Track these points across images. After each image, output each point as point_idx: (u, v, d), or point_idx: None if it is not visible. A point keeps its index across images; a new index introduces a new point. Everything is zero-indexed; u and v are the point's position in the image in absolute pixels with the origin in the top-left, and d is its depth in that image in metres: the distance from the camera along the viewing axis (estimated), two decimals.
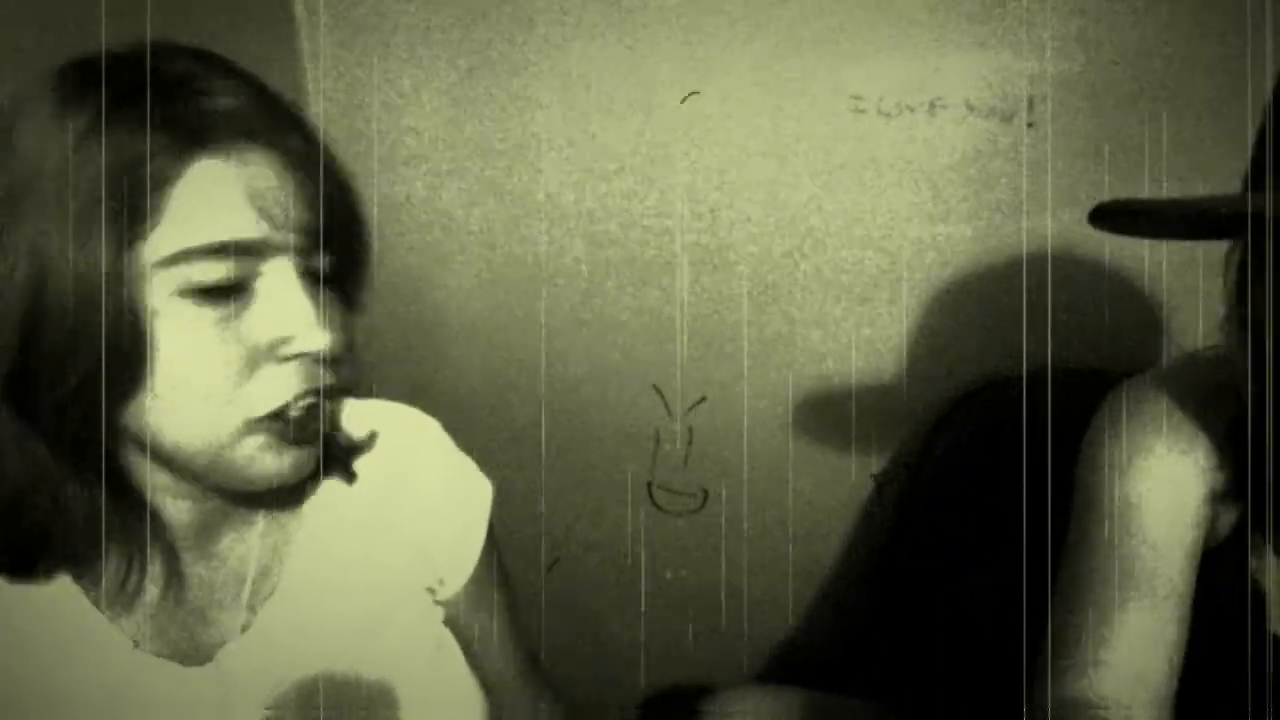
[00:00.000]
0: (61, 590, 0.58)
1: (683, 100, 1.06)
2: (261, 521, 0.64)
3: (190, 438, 0.53)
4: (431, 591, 0.72)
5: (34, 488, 0.54)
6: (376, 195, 1.11)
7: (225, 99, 0.52)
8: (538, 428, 1.19)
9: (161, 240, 0.50)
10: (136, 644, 0.59)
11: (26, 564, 0.56)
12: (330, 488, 0.67)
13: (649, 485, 1.22)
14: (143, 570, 0.59)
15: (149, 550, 0.59)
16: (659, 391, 1.18)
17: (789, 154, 1.10)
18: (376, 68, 1.08)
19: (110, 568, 0.58)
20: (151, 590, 0.60)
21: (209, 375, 0.52)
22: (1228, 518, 0.71)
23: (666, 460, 1.20)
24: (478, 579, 0.74)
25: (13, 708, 0.57)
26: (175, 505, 0.59)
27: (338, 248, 0.57)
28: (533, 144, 1.10)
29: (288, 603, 0.64)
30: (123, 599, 0.59)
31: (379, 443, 0.69)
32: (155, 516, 0.58)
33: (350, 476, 0.66)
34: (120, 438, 0.55)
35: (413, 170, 1.11)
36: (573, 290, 1.15)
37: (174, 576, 0.60)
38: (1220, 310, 0.68)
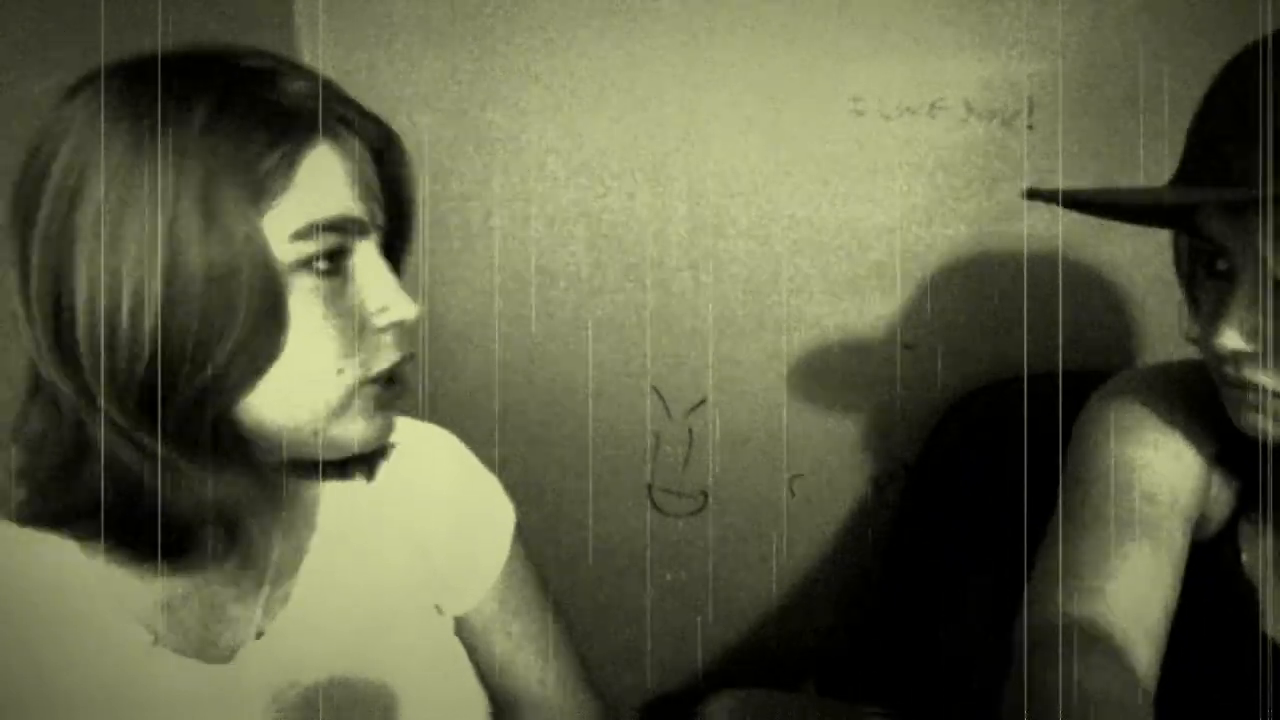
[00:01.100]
0: (76, 583, 0.59)
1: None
2: (284, 518, 0.65)
3: (304, 409, 0.55)
4: (438, 609, 0.72)
5: (146, 479, 0.54)
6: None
7: (311, 89, 0.55)
8: (538, 429, 1.19)
9: (286, 216, 0.53)
10: (156, 639, 0.59)
11: (150, 552, 0.56)
12: (349, 498, 0.68)
13: (649, 487, 1.22)
14: (268, 543, 0.62)
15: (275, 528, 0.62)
16: (659, 393, 1.18)
17: (789, 155, 1.10)
18: (376, 69, 1.09)
19: (238, 553, 0.60)
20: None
21: (326, 344, 0.55)
22: (1222, 512, 0.71)
23: (666, 462, 1.20)
24: (505, 599, 0.74)
25: (25, 701, 0.58)
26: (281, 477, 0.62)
27: (398, 225, 0.62)
28: (533, 144, 1.10)
29: (301, 609, 0.64)
30: (231, 578, 0.61)
31: (400, 456, 0.69)
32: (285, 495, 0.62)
33: (371, 474, 0.67)
34: (244, 423, 0.55)
35: (413, 171, 1.11)
36: (572, 291, 1.15)
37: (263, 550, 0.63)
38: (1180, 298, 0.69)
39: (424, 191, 1.12)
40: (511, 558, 0.75)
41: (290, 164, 0.53)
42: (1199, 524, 0.72)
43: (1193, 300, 0.66)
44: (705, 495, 1.22)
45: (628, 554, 1.24)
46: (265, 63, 0.55)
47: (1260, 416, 0.60)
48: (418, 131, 1.10)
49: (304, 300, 0.54)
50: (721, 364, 1.17)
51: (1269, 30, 0.63)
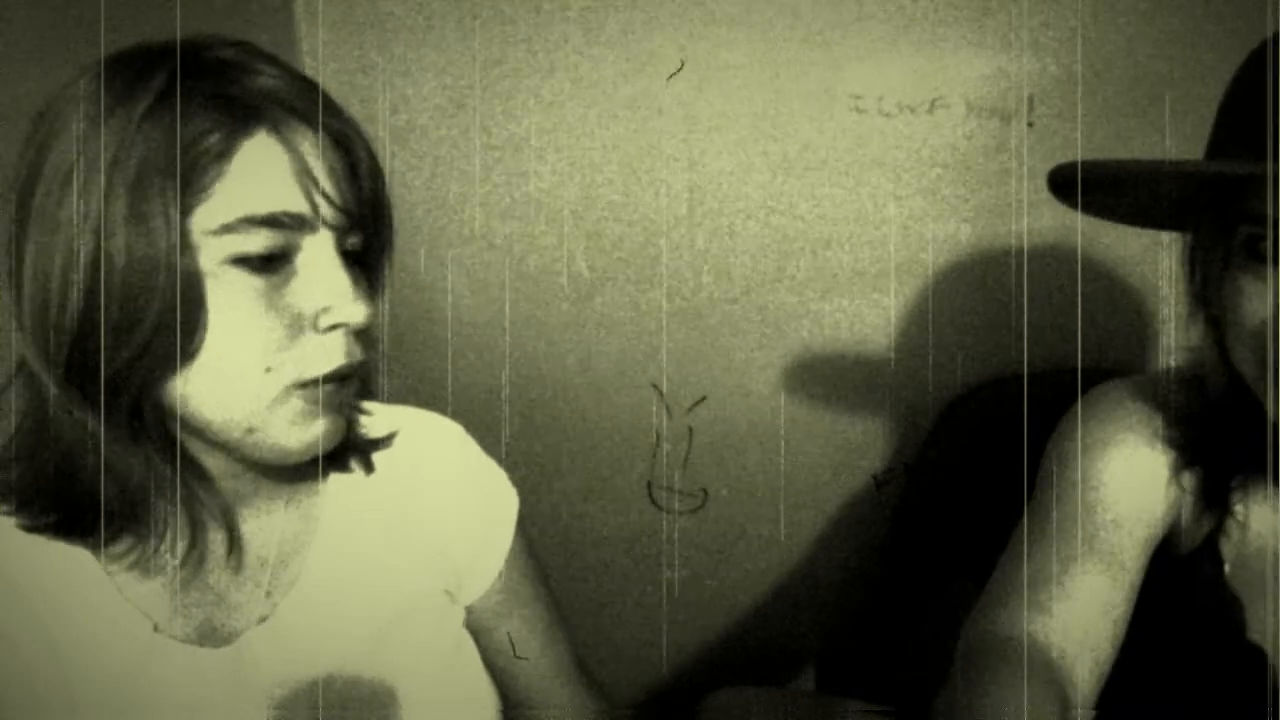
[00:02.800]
0: (79, 569, 0.59)
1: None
2: (284, 506, 0.65)
3: (231, 405, 0.55)
4: (449, 595, 0.72)
5: (84, 455, 0.55)
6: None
7: (271, 80, 0.54)
8: (538, 427, 1.19)
9: (216, 209, 0.52)
10: (157, 627, 0.60)
11: (84, 528, 0.57)
12: (354, 487, 0.68)
13: (649, 485, 1.22)
14: (205, 535, 0.61)
15: (208, 517, 0.61)
16: (659, 391, 1.18)
17: (789, 153, 1.10)
18: (377, 68, 1.08)
19: (169, 535, 0.59)
20: (215, 556, 0.62)
21: (254, 342, 0.54)
22: (1203, 524, 0.71)
23: (666, 460, 1.20)
24: (510, 587, 0.74)
25: (28, 691, 0.58)
26: (217, 484, 0.60)
27: (368, 227, 0.59)
28: (533, 144, 1.10)
29: (306, 598, 0.64)
30: (189, 564, 0.61)
31: (405, 445, 0.70)
32: (214, 485, 0.60)
33: (369, 467, 0.67)
34: (167, 411, 0.56)
35: (413, 171, 1.12)
36: (572, 289, 1.15)
37: (234, 539, 0.62)
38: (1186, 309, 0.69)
39: (424, 191, 1.12)
40: (515, 546, 0.75)
41: (222, 154, 0.52)
42: (1179, 539, 0.71)
43: (1200, 308, 0.66)
44: (705, 493, 1.22)
45: (627, 552, 1.24)
46: (235, 55, 0.55)
47: None
48: (418, 131, 1.10)
49: (232, 295, 0.53)
50: (721, 362, 1.17)
51: (1270, 31, 0.62)
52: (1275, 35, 0.61)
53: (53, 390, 0.53)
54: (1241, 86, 0.62)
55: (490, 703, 0.74)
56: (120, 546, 0.59)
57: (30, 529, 0.57)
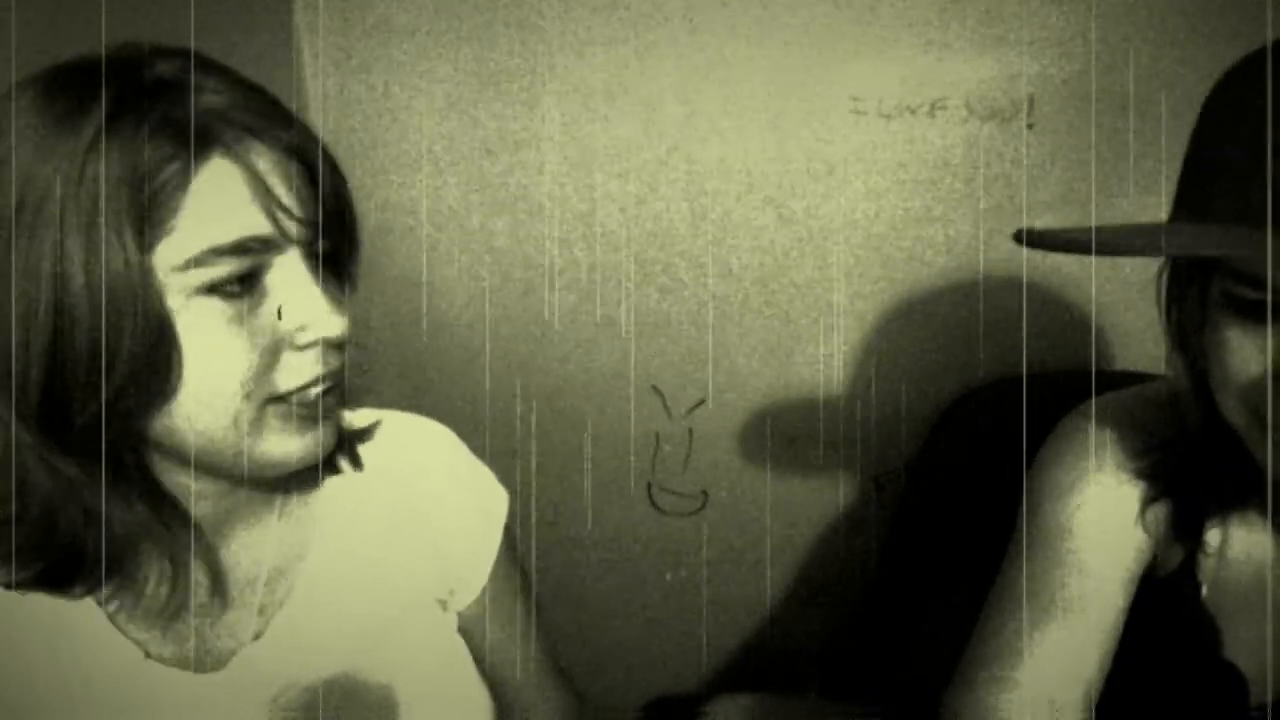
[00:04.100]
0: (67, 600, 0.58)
1: None
2: (275, 519, 0.64)
3: (215, 432, 0.53)
4: (442, 603, 0.72)
5: (64, 504, 0.53)
6: (377, 198, 1.11)
7: (220, 96, 0.52)
8: (538, 429, 1.19)
9: (179, 244, 0.50)
10: (147, 654, 0.59)
11: (65, 579, 0.56)
12: (345, 495, 0.67)
13: (649, 487, 1.21)
14: (188, 576, 0.59)
15: (192, 555, 0.59)
16: (659, 393, 1.18)
17: (789, 155, 1.10)
18: (377, 70, 1.08)
19: (153, 578, 0.58)
20: (199, 595, 0.60)
21: (232, 368, 0.52)
22: (1180, 547, 0.70)
23: (666, 462, 1.20)
24: (497, 586, 0.74)
25: (21, 709, 0.58)
26: (196, 505, 0.59)
27: (335, 231, 0.57)
28: (533, 145, 1.10)
29: (300, 609, 0.64)
30: (170, 608, 0.59)
31: (396, 450, 0.69)
32: (193, 521, 0.59)
33: (357, 463, 0.67)
34: (150, 444, 0.55)
35: (413, 172, 1.11)
36: (573, 291, 1.15)
37: (218, 578, 0.61)
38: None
39: (423, 193, 1.12)
40: (502, 546, 0.75)
41: (179, 185, 0.50)
42: (1156, 563, 0.71)
43: (1178, 336, 0.64)
44: (705, 495, 1.22)
45: (627, 554, 1.24)
46: (175, 72, 0.52)
47: None
48: (417, 131, 1.10)
49: (203, 326, 0.51)
50: (721, 364, 1.17)
51: (1270, 33, 0.60)
52: (1232, 70, 0.57)
53: (28, 439, 0.51)
54: (1208, 131, 0.58)
55: (485, 706, 0.74)
56: (105, 592, 0.58)
57: (8, 585, 0.55)
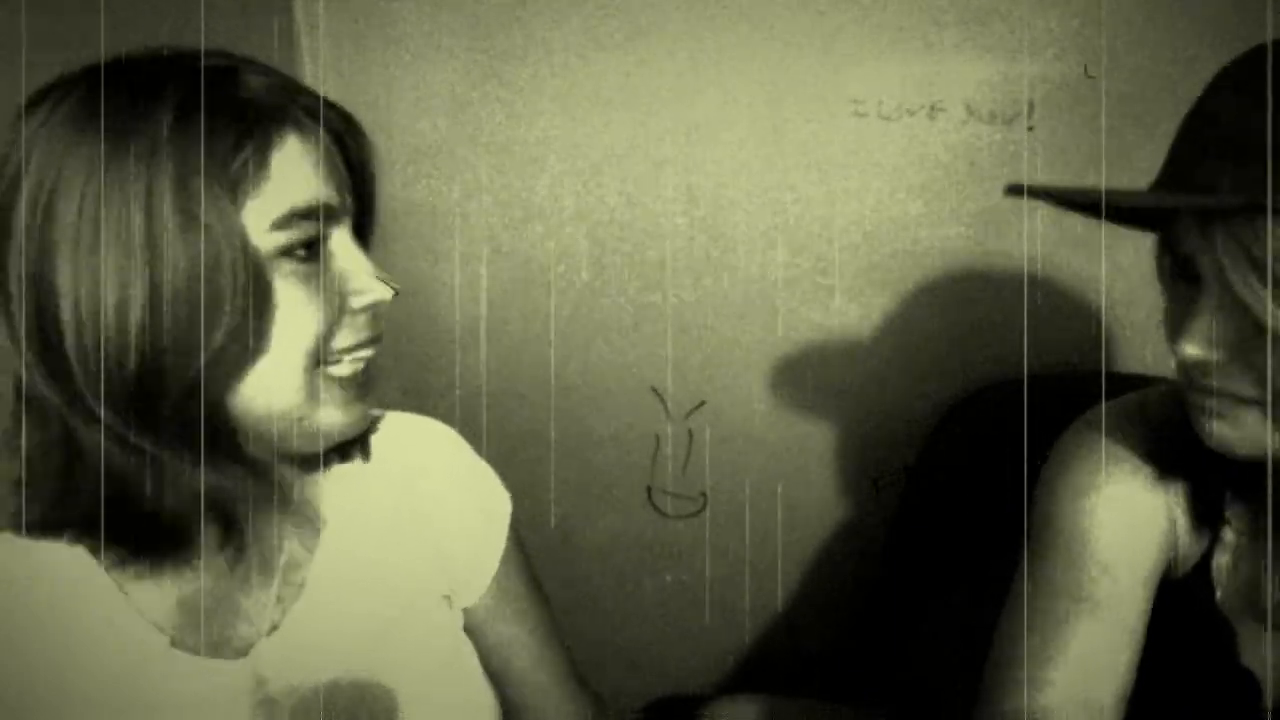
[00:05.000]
0: (90, 587, 0.59)
1: None
2: (291, 511, 0.65)
3: (285, 396, 0.56)
4: (448, 599, 0.72)
5: (138, 481, 0.54)
6: (376, 199, 1.10)
7: (268, 78, 0.56)
8: (538, 430, 1.19)
9: (266, 207, 0.54)
10: (173, 641, 0.60)
11: (146, 549, 0.57)
12: (351, 493, 0.68)
13: (649, 489, 1.22)
14: (247, 541, 0.61)
15: (276, 521, 0.63)
16: (659, 395, 1.18)
17: (789, 157, 1.10)
18: (377, 70, 1.08)
19: (233, 544, 0.60)
20: (255, 560, 0.63)
21: (308, 327, 0.56)
22: (1194, 550, 0.70)
23: (666, 464, 1.20)
24: (504, 587, 0.75)
25: (42, 706, 0.58)
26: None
27: (363, 214, 0.62)
28: (534, 146, 1.10)
29: (310, 605, 0.64)
30: (239, 572, 0.62)
31: (400, 450, 0.70)
32: (278, 486, 0.61)
33: (367, 454, 0.67)
34: (230, 414, 0.56)
35: (414, 172, 1.12)
36: (573, 293, 1.15)
37: (263, 548, 0.63)
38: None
39: (425, 195, 1.12)
40: (508, 546, 0.75)
41: (262, 158, 0.54)
42: (1171, 565, 0.71)
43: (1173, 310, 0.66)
44: (705, 497, 1.22)
45: (627, 556, 1.24)
46: (221, 61, 0.56)
47: (1216, 422, 0.59)
48: (418, 133, 1.10)
49: (288, 287, 0.55)
50: (721, 366, 1.17)
51: (1270, 34, 0.62)
52: (1230, 65, 0.61)
53: (110, 423, 0.52)
54: (1197, 116, 0.62)
55: (490, 706, 0.74)
56: (234, 566, 0.61)
57: (121, 562, 0.58)
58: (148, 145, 0.51)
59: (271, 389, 0.55)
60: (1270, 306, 0.53)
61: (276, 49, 1.05)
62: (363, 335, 0.59)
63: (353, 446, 0.66)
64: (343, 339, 0.58)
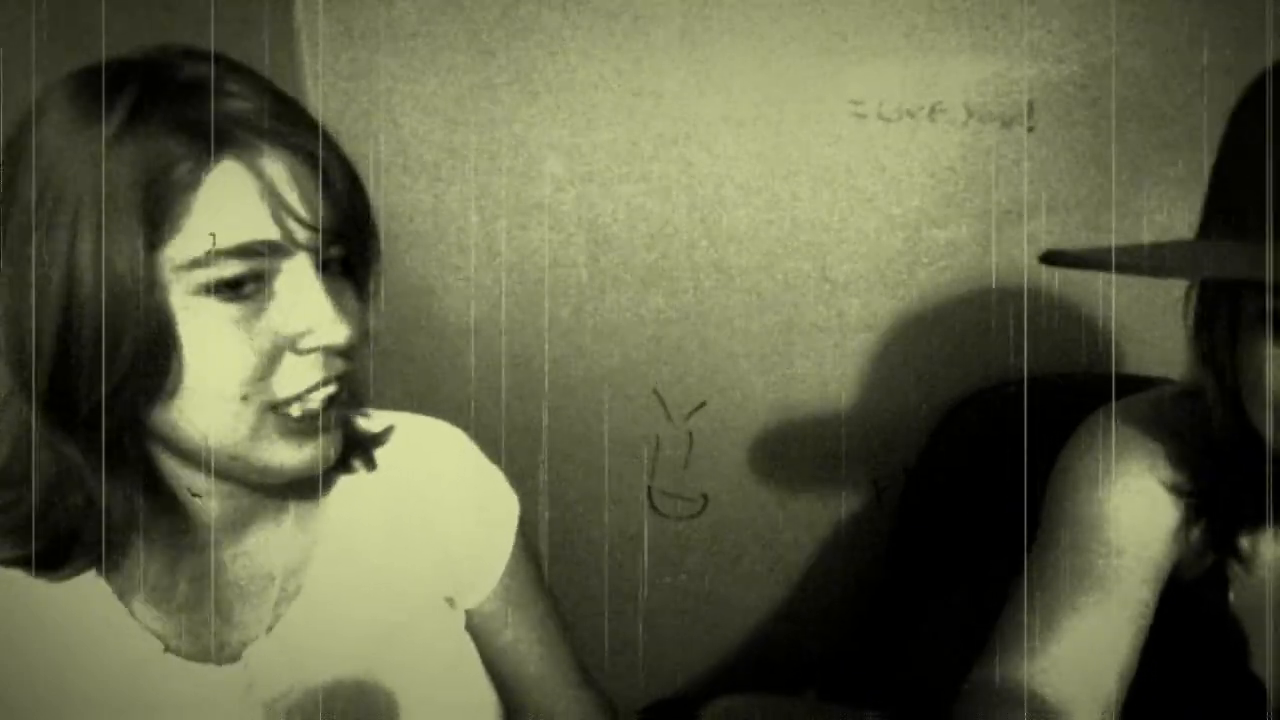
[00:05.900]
0: (87, 589, 0.59)
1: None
2: (290, 520, 0.65)
3: (215, 432, 0.54)
4: (450, 601, 0.72)
5: (66, 488, 0.55)
6: (377, 203, 1.10)
7: (240, 101, 0.53)
8: (539, 432, 1.19)
9: (188, 242, 0.51)
10: (167, 647, 0.60)
11: (56, 561, 0.57)
12: (357, 494, 0.68)
13: (649, 490, 1.22)
14: (190, 569, 0.61)
15: (185, 545, 0.61)
16: (659, 396, 1.18)
17: (789, 159, 1.10)
18: (377, 73, 1.08)
19: (148, 565, 0.59)
20: (183, 587, 0.61)
21: (232, 370, 0.53)
22: (1206, 551, 0.70)
23: (667, 465, 1.20)
24: (511, 589, 0.74)
25: (36, 712, 0.58)
26: (205, 502, 0.60)
27: (350, 240, 0.58)
28: (534, 149, 1.10)
29: (311, 606, 0.64)
30: (158, 593, 0.60)
31: (407, 451, 0.70)
32: (190, 514, 0.60)
33: (371, 464, 0.67)
34: (153, 438, 0.56)
35: (414, 176, 1.11)
36: (574, 295, 1.15)
37: (208, 573, 0.61)
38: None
39: (424, 196, 1.12)
40: (515, 549, 0.75)
41: (189, 185, 0.51)
42: (1183, 567, 0.71)
43: (1209, 353, 0.64)
44: (705, 498, 1.22)
45: (627, 556, 1.24)
46: (203, 74, 0.53)
47: None
48: (418, 135, 1.10)
49: (206, 326, 0.52)
50: (721, 367, 1.17)
51: (1270, 35, 0.60)
52: (1249, 92, 0.57)
53: (35, 421, 0.53)
54: (1228, 151, 0.58)
55: (491, 707, 0.74)
56: (112, 582, 0.59)
57: (2, 562, 0.57)
58: (86, 157, 0.50)
59: (196, 423, 0.54)
60: None
61: (276, 50, 1.05)
62: (310, 380, 0.55)
63: (353, 456, 0.66)
64: (286, 382, 0.55)
